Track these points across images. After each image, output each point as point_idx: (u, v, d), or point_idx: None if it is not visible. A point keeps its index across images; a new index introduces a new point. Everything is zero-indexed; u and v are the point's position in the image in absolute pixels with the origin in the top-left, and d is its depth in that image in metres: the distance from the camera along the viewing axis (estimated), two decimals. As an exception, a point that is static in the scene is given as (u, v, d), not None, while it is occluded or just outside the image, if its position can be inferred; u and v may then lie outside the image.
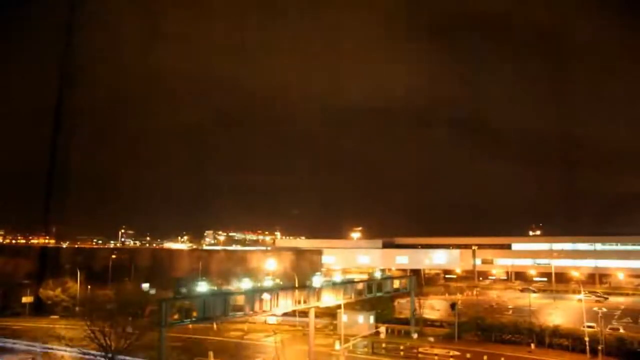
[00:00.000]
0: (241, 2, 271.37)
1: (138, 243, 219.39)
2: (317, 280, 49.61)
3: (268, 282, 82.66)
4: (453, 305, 58.41)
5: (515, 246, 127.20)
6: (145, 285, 72.04)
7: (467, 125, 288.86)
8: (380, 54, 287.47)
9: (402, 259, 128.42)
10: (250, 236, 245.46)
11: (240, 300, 41.92)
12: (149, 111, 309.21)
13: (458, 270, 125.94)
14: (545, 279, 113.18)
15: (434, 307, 71.60)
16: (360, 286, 54.38)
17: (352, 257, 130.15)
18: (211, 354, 44.04)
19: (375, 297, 56.47)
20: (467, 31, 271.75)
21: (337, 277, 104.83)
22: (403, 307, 66.12)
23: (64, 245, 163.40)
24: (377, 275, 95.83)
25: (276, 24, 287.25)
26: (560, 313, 72.55)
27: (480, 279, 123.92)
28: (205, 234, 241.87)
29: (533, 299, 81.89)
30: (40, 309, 72.57)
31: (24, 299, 71.49)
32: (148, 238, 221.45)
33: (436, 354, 48.24)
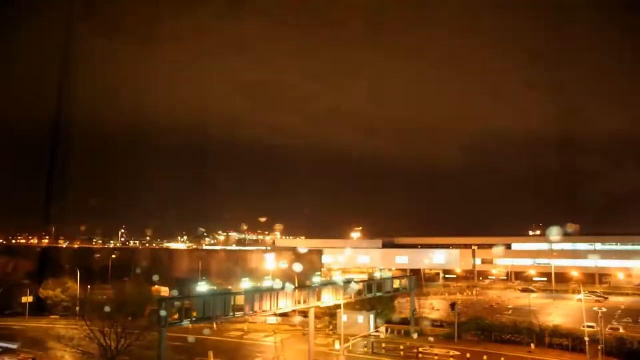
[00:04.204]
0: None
1: (138, 243, 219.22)
2: (317, 280, 49.63)
3: (268, 282, 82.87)
4: (453, 305, 58.37)
5: (515, 246, 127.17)
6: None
7: (466, 126, 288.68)
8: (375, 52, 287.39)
9: (402, 259, 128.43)
10: (250, 236, 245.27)
11: (240, 300, 41.87)
12: (149, 111, 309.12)
13: (458, 270, 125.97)
14: (545, 279, 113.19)
15: (434, 307, 71.71)
16: (360, 286, 54.23)
17: (352, 257, 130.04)
18: (211, 354, 44.02)
19: (375, 297, 56.41)
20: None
21: (337, 277, 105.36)
22: (403, 307, 66.10)
23: (64, 245, 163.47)
24: (377, 275, 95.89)
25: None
26: (560, 313, 72.60)
27: (480, 279, 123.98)
28: (205, 234, 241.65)
29: (533, 299, 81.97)
30: (41, 309, 72.56)
31: (24, 299, 71.42)
32: (148, 238, 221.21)
33: (436, 354, 48.21)
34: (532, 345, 50.54)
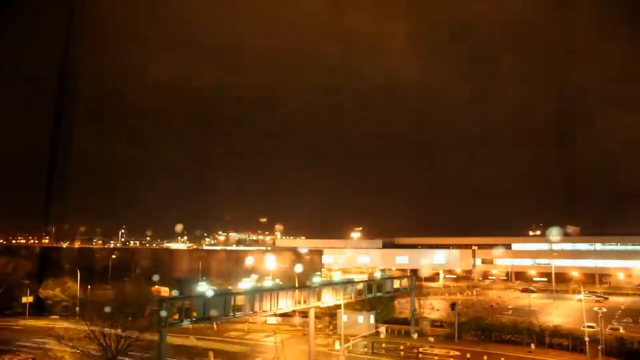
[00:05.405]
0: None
1: (138, 243, 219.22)
2: (317, 280, 49.64)
3: (268, 282, 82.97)
4: (453, 305, 58.37)
5: (515, 246, 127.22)
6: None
7: (465, 125, 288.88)
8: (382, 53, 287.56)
9: (402, 259, 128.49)
10: (251, 236, 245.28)
11: (240, 300, 41.85)
12: (150, 111, 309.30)
13: (458, 270, 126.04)
14: (545, 279, 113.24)
15: (434, 307, 71.71)
16: (360, 286, 54.27)
17: (352, 257, 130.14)
18: (211, 354, 44.02)
19: (375, 297, 56.40)
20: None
21: (337, 277, 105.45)
22: (403, 307, 66.11)
23: (64, 245, 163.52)
24: (377, 275, 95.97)
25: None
26: (560, 313, 72.64)
27: (480, 278, 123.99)
28: (205, 235, 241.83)
29: (533, 299, 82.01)
30: (40, 308, 72.60)
31: (24, 299, 71.53)
32: (148, 238, 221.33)
33: (436, 354, 48.23)
34: (532, 345, 50.54)
